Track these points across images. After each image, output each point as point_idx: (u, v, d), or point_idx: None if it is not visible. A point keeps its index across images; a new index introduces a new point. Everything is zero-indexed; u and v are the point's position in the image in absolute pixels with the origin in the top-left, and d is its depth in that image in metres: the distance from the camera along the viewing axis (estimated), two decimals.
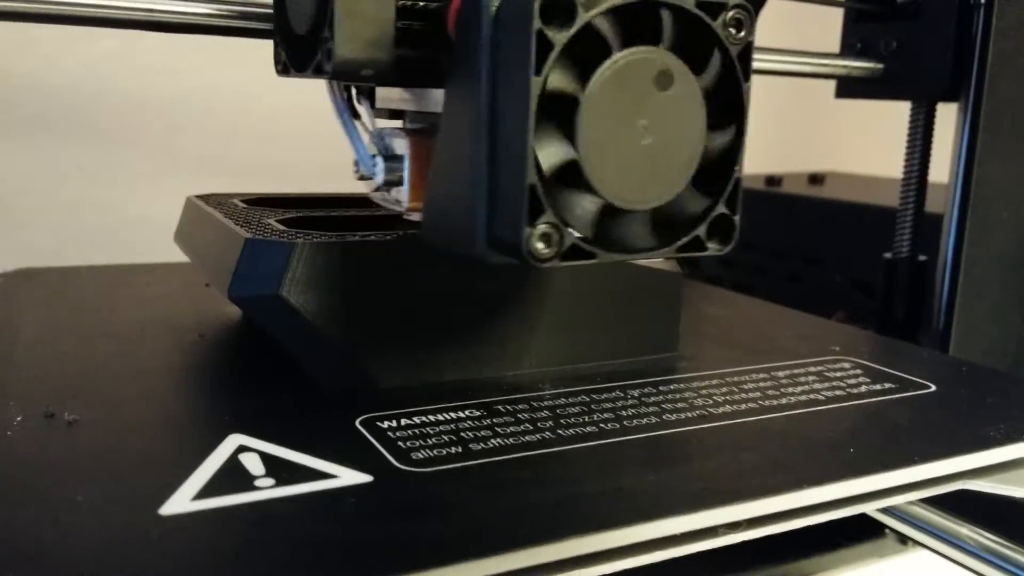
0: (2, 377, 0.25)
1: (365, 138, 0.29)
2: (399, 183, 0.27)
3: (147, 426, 0.22)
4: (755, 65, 0.37)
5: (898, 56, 0.40)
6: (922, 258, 0.41)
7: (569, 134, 0.19)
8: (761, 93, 0.78)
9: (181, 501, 0.18)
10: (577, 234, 0.20)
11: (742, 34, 0.21)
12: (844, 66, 0.41)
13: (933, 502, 0.25)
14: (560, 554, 0.17)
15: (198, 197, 0.34)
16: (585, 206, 0.20)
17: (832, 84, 0.43)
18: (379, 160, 0.27)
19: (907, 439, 0.23)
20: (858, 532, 0.27)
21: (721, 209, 0.22)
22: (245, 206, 0.32)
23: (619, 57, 0.20)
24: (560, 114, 0.19)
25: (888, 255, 0.42)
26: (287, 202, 0.33)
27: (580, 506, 0.19)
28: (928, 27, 0.39)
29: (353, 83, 0.28)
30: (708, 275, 0.55)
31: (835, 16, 0.44)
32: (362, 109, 0.29)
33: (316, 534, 0.17)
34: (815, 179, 0.61)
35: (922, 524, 0.25)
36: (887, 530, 0.27)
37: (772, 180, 0.59)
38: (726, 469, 0.21)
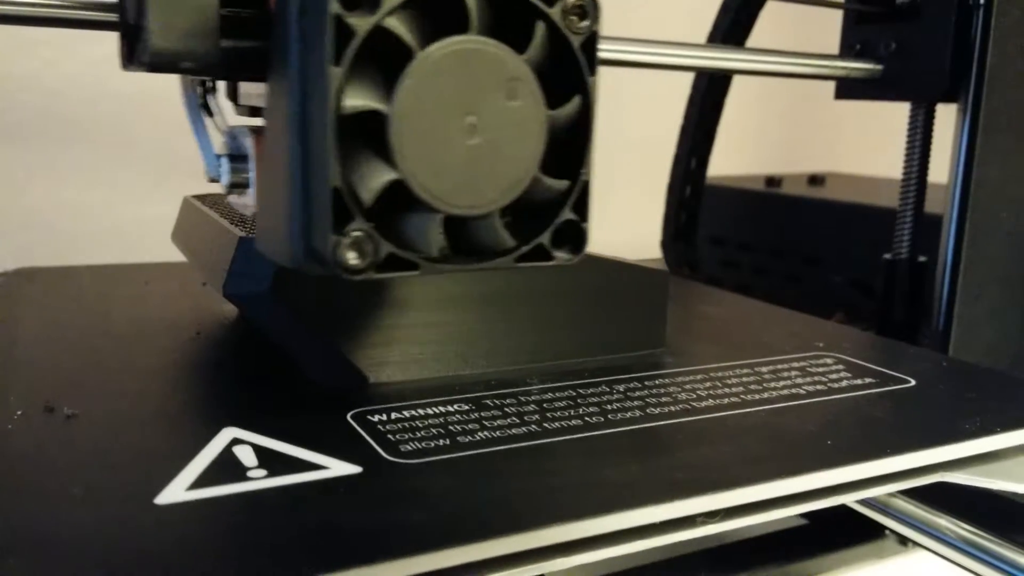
0: (3, 373, 0.26)
1: (219, 138, 0.27)
2: (246, 185, 0.26)
3: (144, 420, 0.22)
4: (756, 67, 0.38)
5: (897, 57, 0.40)
6: (922, 259, 0.41)
7: (385, 153, 0.18)
8: (761, 94, 0.78)
9: (176, 491, 0.18)
10: (392, 245, 0.18)
11: (585, 23, 0.19)
12: (843, 67, 0.40)
13: (932, 502, 0.25)
14: (543, 541, 0.18)
15: (195, 197, 0.34)
16: (426, 224, 0.19)
17: (831, 85, 0.44)
18: (223, 160, 0.26)
19: (884, 432, 0.23)
20: (858, 533, 0.27)
21: (568, 215, 0.20)
22: None
23: (425, 56, 0.18)
24: (372, 131, 0.18)
25: (888, 256, 0.42)
26: None
27: (562, 495, 0.19)
28: (927, 28, 0.38)
29: (178, 75, 0.25)
30: (709, 275, 0.56)
31: (834, 17, 0.44)
32: (217, 105, 0.27)
33: (306, 522, 0.17)
34: (815, 180, 0.61)
35: (922, 525, 0.26)
36: (887, 531, 0.27)
37: (772, 181, 0.59)
38: (706, 461, 0.21)
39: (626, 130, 0.63)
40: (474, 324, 0.26)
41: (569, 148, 0.20)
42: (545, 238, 0.20)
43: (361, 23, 0.18)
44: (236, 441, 0.21)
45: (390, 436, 0.22)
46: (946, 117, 0.39)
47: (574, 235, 0.20)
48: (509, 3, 0.19)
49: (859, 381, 0.27)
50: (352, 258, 0.18)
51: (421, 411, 0.23)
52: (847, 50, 0.43)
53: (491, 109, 0.19)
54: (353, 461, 0.20)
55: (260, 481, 0.19)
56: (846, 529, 0.27)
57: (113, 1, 0.25)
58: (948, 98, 0.39)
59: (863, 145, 0.78)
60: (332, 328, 0.25)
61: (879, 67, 0.40)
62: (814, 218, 0.52)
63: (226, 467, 0.20)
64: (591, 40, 0.20)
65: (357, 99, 0.18)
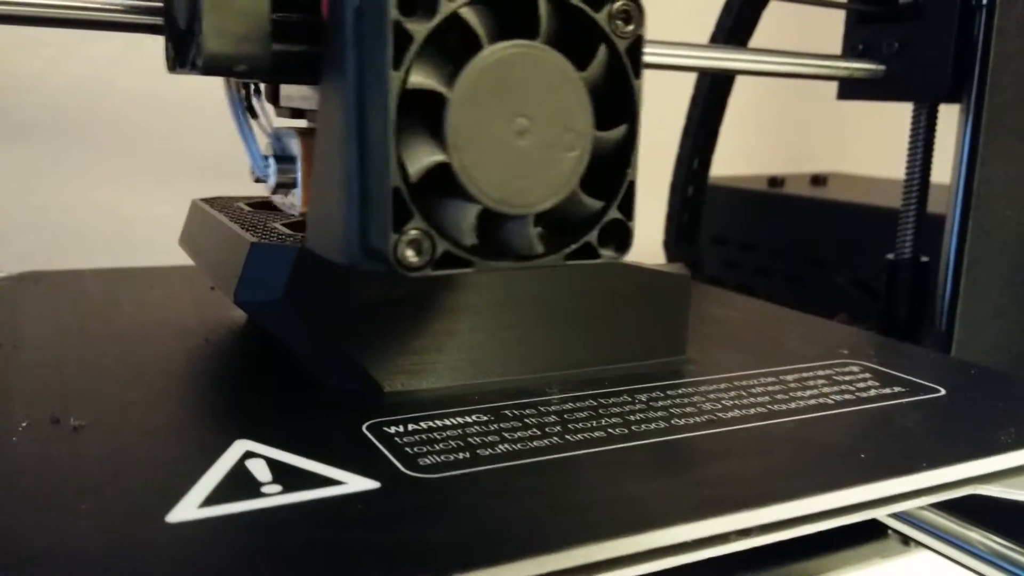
0: (7, 382, 0.25)
1: (263, 139, 0.27)
2: (293, 185, 0.26)
3: (153, 431, 0.22)
4: (758, 67, 0.38)
5: (900, 57, 0.40)
6: (924, 259, 0.41)
7: (438, 135, 0.18)
8: (764, 94, 0.78)
9: (188, 508, 0.18)
10: (448, 243, 0.19)
11: (631, 27, 0.20)
12: (846, 67, 0.40)
13: (939, 505, 0.25)
14: (569, 562, 0.17)
15: (203, 200, 0.34)
16: (462, 212, 0.19)
17: (834, 85, 0.43)
18: (271, 161, 0.26)
19: (917, 444, 0.23)
20: (861, 533, 0.27)
21: (614, 214, 0.21)
22: (250, 209, 0.32)
23: (490, 52, 0.18)
24: (428, 114, 0.18)
25: (890, 256, 0.42)
26: None
27: (589, 513, 0.18)
28: (930, 28, 0.39)
29: (231, 78, 0.27)
30: (710, 275, 0.55)
31: (837, 17, 0.44)
32: (261, 108, 0.27)
33: (323, 541, 0.17)
34: (817, 180, 0.61)
35: (926, 526, 0.25)
36: (890, 531, 0.27)
37: (774, 181, 0.59)
38: (736, 475, 0.20)
39: None
40: (491, 331, 0.26)
41: (614, 158, 0.21)
42: (592, 237, 0.21)
43: (419, 28, 0.18)
44: (249, 454, 0.21)
45: (408, 449, 0.21)
46: (949, 117, 0.39)
47: (620, 234, 0.21)
48: (569, 12, 0.19)
49: (888, 390, 0.27)
50: (411, 256, 0.19)
51: (439, 422, 0.23)
52: (850, 50, 0.43)
53: (544, 116, 0.19)
54: (371, 476, 0.20)
55: (275, 497, 0.18)
56: (848, 528, 0.27)
57: (157, 5, 0.25)
58: (951, 98, 0.39)
59: (866, 145, 0.78)
60: (346, 336, 0.24)
61: (882, 67, 0.41)
62: (817, 218, 0.52)
63: (239, 482, 0.19)
64: (636, 44, 0.20)
65: (420, 78, 0.18)
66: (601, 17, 0.20)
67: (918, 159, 0.41)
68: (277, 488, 0.19)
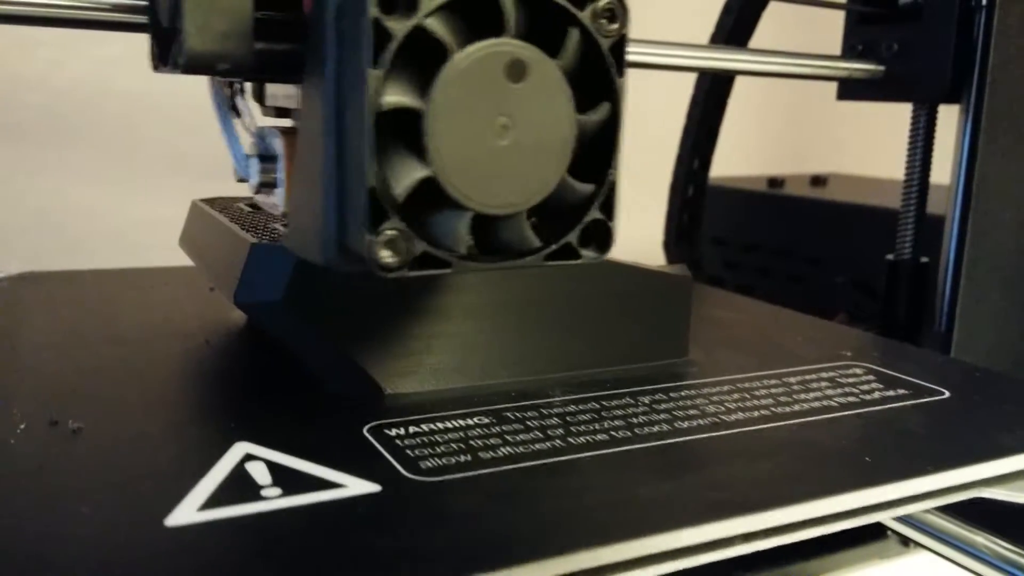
0: (6, 383, 0.25)
1: (247, 139, 0.27)
2: (275, 185, 0.26)
3: (152, 434, 0.22)
4: (758, 67, 0.38)
5: (899, 58, 0.40)
6: (924, 260, 0.41)
7: (419, 150, 0.18)
8: (764, 95, 0.78)
9: (187, 511, 0.18)
10: (426, 244, 0.19)
11: (615, 26, 0.20)
12: (846, 68, 0.41)
13: (942, 508, 0.25)
14: (572, 566, 0.17)
15: (203, 201, 0.34)
16: (455, 220, 0.19)
17: (834, 86, 0.43)
18: (253, 160, 0.26)
19: (922, 447, 0.23)
20: (862, 534, 0.27)
21: (595, 214, 0.21)
22: (250, 210, 0.32)
23: (461, 58, 0.18)
24: (407, 130, 0.18)
25: (890, 257, 0.42)
26: None
27: (591, 517, 0.18)
28: (929, 29, 0.39)
29: (212, 76, 0.27)
30: (709, 275, 0.55)
31: (837, 18, 0.43)
32: (246, 107, 0.27)
33: (323, 545, 0.17)
34: (817, 181, 0.61)
35: (928, 528, 0.25)
36: (890, 532, 0.27)
37: (774, 182, 0.59)
38: (740, 478, 0.20)
39: (629, 130, 0.63)
40: (493, 333, 0.26)
41: (596, 149, 0.21)
42: (573, 237, 0.21)
43: (399, 26, 0.18)
44: (249, 457, 0.20)
45: (409, 452, 0.21)
46: (949, 117, 0.39)
47: (601, 234, 0.21)
48: (543, 7, 0.19)
49: (891, 393, 0.26)
50: (387, 256, 0.19)
51: (440, 424, 0.23)
52: (849, 51, 0.43)
53: (523, 111, 0.19)
54: (371, 479, 0.19)
55: (274, 500, 0.18)
56: (849, 529, 0.27)
57: (142, 3, 0.25)
58: (950, 99, 0.39)
59: (865, 146, 0.78)
60: (347, 338, 0.24)
61: (881, 68, 0.41)
62: (816, 219, 0.53)
63: (239, 485, 0.19)
64: (620, 43, 0.20)
65: (394, 96, 0.18)
66: (585, 16, 0.20)
67: (918, 159, 0.41)
68: (277, 491, 0.19)
